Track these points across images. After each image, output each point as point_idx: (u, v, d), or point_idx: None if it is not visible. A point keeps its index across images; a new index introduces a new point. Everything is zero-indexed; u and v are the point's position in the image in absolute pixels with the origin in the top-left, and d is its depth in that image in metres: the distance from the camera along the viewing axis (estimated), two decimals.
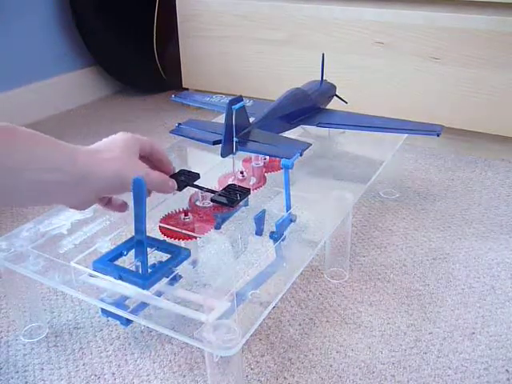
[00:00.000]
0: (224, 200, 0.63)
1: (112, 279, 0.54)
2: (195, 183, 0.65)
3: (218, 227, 0.63)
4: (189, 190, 0.66)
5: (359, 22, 1.13)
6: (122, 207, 0.62)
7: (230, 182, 0.72)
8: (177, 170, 0.65)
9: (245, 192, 0.65)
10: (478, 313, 0.69)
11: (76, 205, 0.56)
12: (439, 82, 1.09)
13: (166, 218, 0.64)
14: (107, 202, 0.61)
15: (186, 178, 0.64)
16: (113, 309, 0.53)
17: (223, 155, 0.67)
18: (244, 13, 1.28)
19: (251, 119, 0.74)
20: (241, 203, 0.65)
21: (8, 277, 0.63)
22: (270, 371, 0.61)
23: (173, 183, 0.60)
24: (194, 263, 0.61)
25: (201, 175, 0.66)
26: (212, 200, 0.64)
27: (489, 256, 0.80)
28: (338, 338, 0.65)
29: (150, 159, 0.61)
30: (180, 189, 0.63)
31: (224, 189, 0.65)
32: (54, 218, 0.67)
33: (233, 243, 0.65)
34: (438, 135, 0.81)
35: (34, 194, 0.51)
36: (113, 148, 0.57)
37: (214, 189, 0.67)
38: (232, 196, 0.63)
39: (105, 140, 0.58)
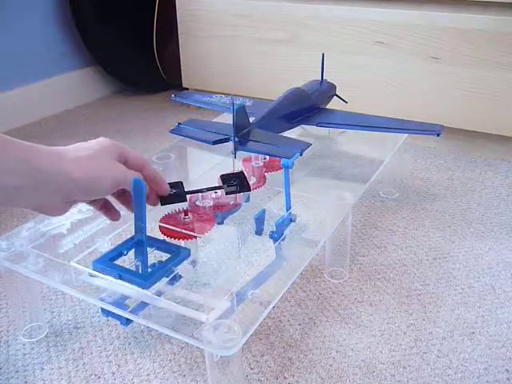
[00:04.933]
0: (235, 189, 0.63)
1: (112, 279, 0.54)
2: (190, 187, 0.63)
3: (221, 222, 0.64)
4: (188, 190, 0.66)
5: (359, 21, 1.13)
6: (114, 215, 0.59)
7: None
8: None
9: (240, 176, 0.64)
10: (477, 313, 0.69)
11: (44, 210, 0.52)
12: (439, 81, 1.09)
13: (166, 218, 0.64)
14: (102, 206, 0.58)
15: (176, 190, 0.61)
16: (113, 308, 0.53)
17: (235, 154, 0.67)
18: (244, 12, 1.28)
19: (251, 119, 0.74)
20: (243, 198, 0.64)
21: (8, 277, 0.63)
22: (270, 371, 0.61)
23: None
24: (194, 263, 0.61)
25: (201, 175, 0.66)
26: (228, 193, 0.63)
27: (489, 256, 0.80)
28: (337, 338, 0.65)
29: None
30: (184, 199, 0.61)
31: (222, 181, 0.64)
32: (54, 218, 0.67)
33: (233, 243, 0.65)
34: (438, 135, 0.81)
35: None
36: (83, 148, 0.52)
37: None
38: (237, 182, 0.63)
39: (79, 143, 0.53)
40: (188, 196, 0.66)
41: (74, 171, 0.49)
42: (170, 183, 0.60)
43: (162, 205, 0.60)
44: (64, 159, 0.50)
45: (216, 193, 0.67)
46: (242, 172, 0.65)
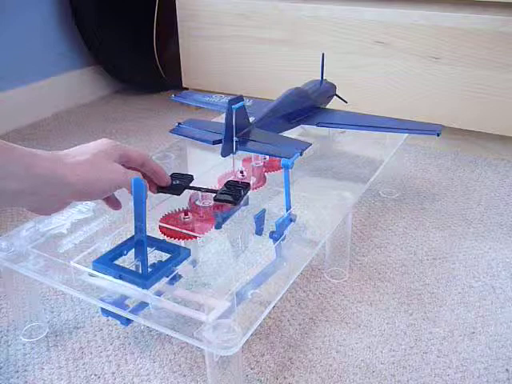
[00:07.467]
0: (228, 198, 0.63)
1: (112, 279, 0.54)
2: (192, 185, 0.65)
3: (218, 227, 0.63)
4: (188, 190, 0.66)
5: (359, 21, 1.13)
6: (116, 205, 0.61)
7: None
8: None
9: (245, 187, 0.65)
10: (477, 313, 0.69)
11: (40, 211, 0.54)
12: (439, 81, 1.09)
13: (166, 218, 0.64)
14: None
15: (180, 182, 0.64)
16: (113, 308, 0.53)
17: (223, 155, 0.67)
18: (244, 12, 1.28)
19: (251, 119, 0.74)
20: (242, 201, 0.64)
21: (8, 277, 0.63)
22: (270, 371, 0.61)
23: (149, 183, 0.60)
24: (194, 263, 0.61)
25: (201, 175, 0.66)
26: (215, 199, 0.64)
27: (489, 256, 0.80)
28: (337, 338, 0.65)
29: (143, 171, 0.60)
30: (179, 193, 0.63)
31: (224, 186, 0.65)
32: (53, 218, 0.67)
33: (233, 243, 0.65)
34: (437, 135, 0.81)
35: None
36: (82, 152, 0.54)
37: (213, 188, 0.67)
38: (234, 193, 0.63)
39: (80, 145, 0.56)
40: (188, 196, 0.66)
41: (70, 176, 0.51)
42: (179, 174, 0.65)
43: (157, 192, 0.63)
44: (61, 164, 0.51)
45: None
46: (248, 184, 0.66)
